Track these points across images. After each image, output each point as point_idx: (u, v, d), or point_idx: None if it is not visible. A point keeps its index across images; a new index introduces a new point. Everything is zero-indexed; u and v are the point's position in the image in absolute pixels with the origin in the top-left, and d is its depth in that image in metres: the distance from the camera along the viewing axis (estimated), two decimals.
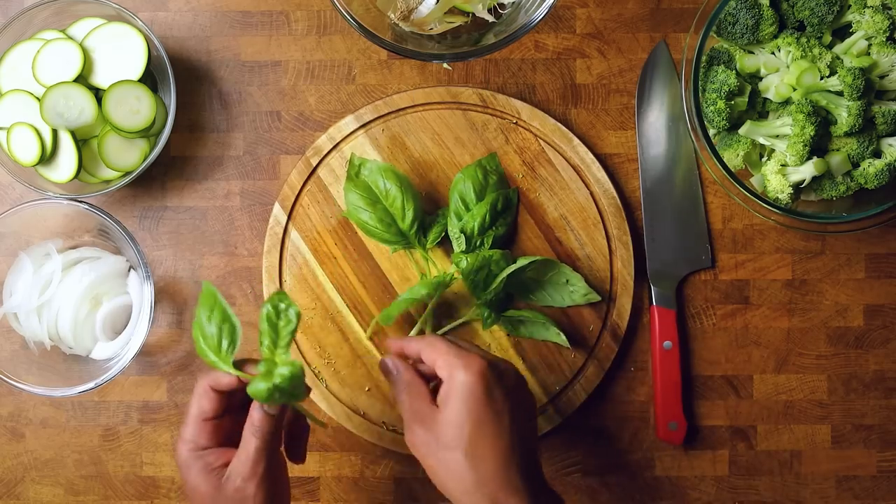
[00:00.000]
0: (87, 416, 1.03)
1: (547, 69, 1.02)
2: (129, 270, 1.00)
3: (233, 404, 0.86)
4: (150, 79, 0.99)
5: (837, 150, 0.95)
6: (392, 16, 0.96)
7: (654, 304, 1.01)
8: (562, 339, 0.98)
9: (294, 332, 0.81)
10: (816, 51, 0.94)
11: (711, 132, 0.97)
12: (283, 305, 0.82)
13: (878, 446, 1.02)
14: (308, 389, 0.82)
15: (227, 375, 0.83)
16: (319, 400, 1.00)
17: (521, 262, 0.95)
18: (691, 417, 1.02)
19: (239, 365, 0.83)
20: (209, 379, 0.84)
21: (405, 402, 0.84)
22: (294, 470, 1.00)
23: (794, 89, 0.94)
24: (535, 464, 0.84)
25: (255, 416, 0.82)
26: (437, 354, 0.83)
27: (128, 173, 0.97)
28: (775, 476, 1.02)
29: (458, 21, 0.96)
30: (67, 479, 1.03)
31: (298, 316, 0.82)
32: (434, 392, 0.84)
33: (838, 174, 0.96)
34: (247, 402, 0.84)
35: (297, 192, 1.01)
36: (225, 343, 0.83)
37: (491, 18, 0.96)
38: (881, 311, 1.02)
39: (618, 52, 1.02)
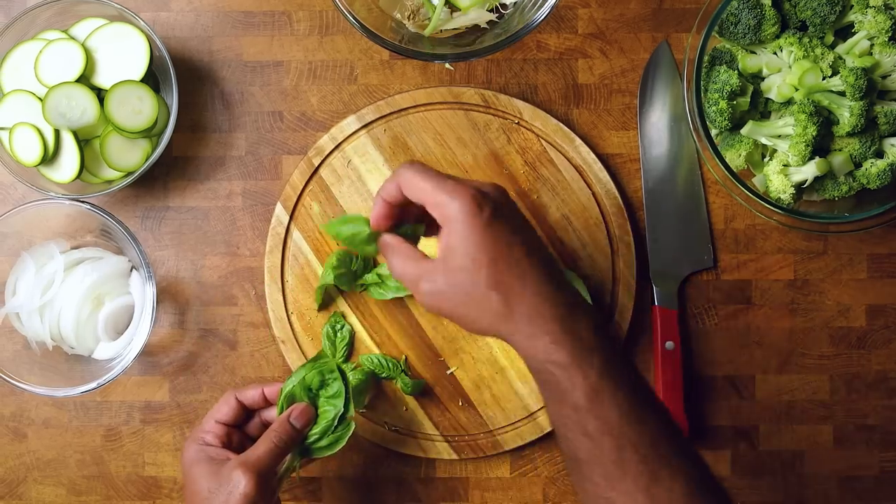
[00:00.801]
0: (90, 417, 1.03)
1: (549, 69, 1.02)
2: (131, 270, 1.00)
3: (248, 423, 0.92)
4: (153, 79, 0.99)
5: (840, 151, 0.95)
6: (398, 15, 0.96)
7: (656, 304, 1.01)
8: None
9: (348, 345, 1.00)
10: (819, 51, 0.94)
11: (713, 132, 0.97)
12: (339, 325, 1.00)
13: (881, 446, 1.02)
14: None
15: (251, 388, 0.91)
16: None
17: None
18: (693, 418, 1.02)
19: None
20: (236, 390, 0.92)
21: (400, 268, 0.80)
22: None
23: (797, 89, 0.94)
24: (554, 264, 0.79)
25: (280, 422, 0.88)
26: (421, 194, 0.77)
27: (130, 173, 0.97)
28: (777, 476, 1.02)
29: (470, 23, 0.96)
30: (69, 480, 1.03)
31: (352, 334, 1.00)
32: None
33: (840, 174, 0.96)
34: (263, 427, 0.92)
35: (299, 193, 1.01)
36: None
37: (493, 17, 0.96)
38: (883, 311, 1.02)
39: (620, 53, 1.02)
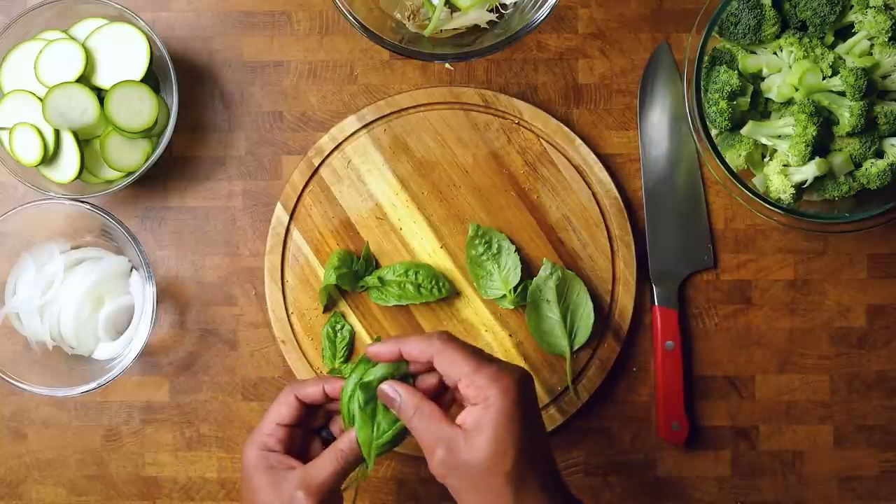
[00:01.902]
0: (90, 417, 1.03)
1: (549, 69, 1.02)
2: (131, 271, 1.00)
3: (310, 422, 0.88)
4: (153, 79, 0.99)
5: (840, 151, 0.95)
6: (398, 15, 0.96)
7: (656, 304, 1.01)
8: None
9: (348, 346, 0.99)
10: (819, 51, 0.94)
11: (713, 132, 0.97)
12: (339, 325, 0.99)
13: (881, 446, 1.02)
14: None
15: (311, 385, 0.85)
16: None
17: None
18: (693, 418, 1.02)
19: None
20: (295, 387, 0.86)
21: (419, 428, 0.78)
22: None
23: (797, 89, 0.94)
24: (554, 463, 0.81)
25: (348, 441, 0.82)
26: (458, 372, 0.77)
27: (130, 173, 0.97)
28: (777, 476, 1.02)
29: (470, 23, 0.96)
30: (70, 480, 1.03)
31: (352, 334, 0.99)
32: (442, 399, 0.82)
33: (840, 174, 0.96)
34: (325, 426, 0.88)
35: (299, 193, 1.01)
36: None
37: (493, 18, 0.96)
38: (883, 311, 1.02)
39: (620, 53, 1.02)
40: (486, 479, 0.75)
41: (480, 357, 0.79)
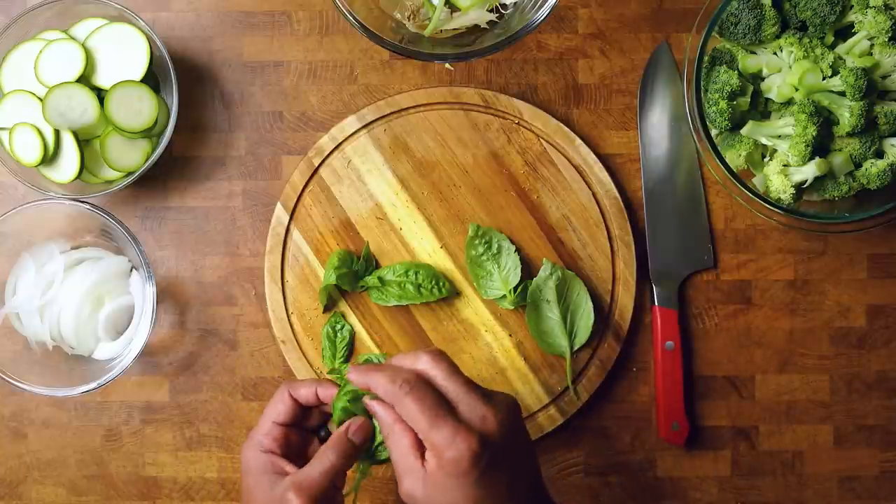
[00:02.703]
0: (90, 417, 1.03)
1: (549, 69, 1.02)
2: (131, 271, 1.00)
3: (307, 421, 0.87)
4: (153, 79, 0.99)
5: (840, 151, 0.95)
6: (398, 15, 0.96)
7: (656, 304, 1.01)
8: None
9: (348, 345, 1.00)
10: (819, 51, 0.94)
11: (713, 132, 0.97)
12: (339, 325, 1.00)
13: (881, 446, 1.02)
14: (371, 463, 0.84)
15: (306, 386, 0.84)
16: None
17: None
18: (693, 418, 1.02)
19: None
20: (291, 385, 0.85)
21: (391, 451, 0.79)
22: None
23: (797, 89, 0.94)
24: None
25: (338, 440, 0.81)
26: (415, 425, 0.76)
27: (130, 173, 0.97)
28: (777, 476, 1.02)
29: (470, 23, 0.96)
30: (70, 480, 1.03)
31: (352, 334, 1.00)
32: None
33: (840, 174, 0.96)
34: (323, 426, 0.87)
35: (299, 193, 1.01)
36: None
37: (493, 18, 0.96)
38: (883, 311, 1.02)
39: (620, 53, 1.02)
40: None
41: (438, 412, 0.76)
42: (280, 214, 1.01)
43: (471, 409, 0.76)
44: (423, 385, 0.77)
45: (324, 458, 0.81)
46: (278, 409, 0.85)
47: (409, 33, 0.96)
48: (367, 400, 0.81)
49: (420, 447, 0.77)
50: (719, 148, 0.95)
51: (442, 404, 0.76)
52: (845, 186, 0.95)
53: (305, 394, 0.85)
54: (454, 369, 0.79)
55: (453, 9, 0.96)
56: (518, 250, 0.99)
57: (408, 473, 0.77)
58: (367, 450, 0.83)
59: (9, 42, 0.96)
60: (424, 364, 0.79)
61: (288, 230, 1.01)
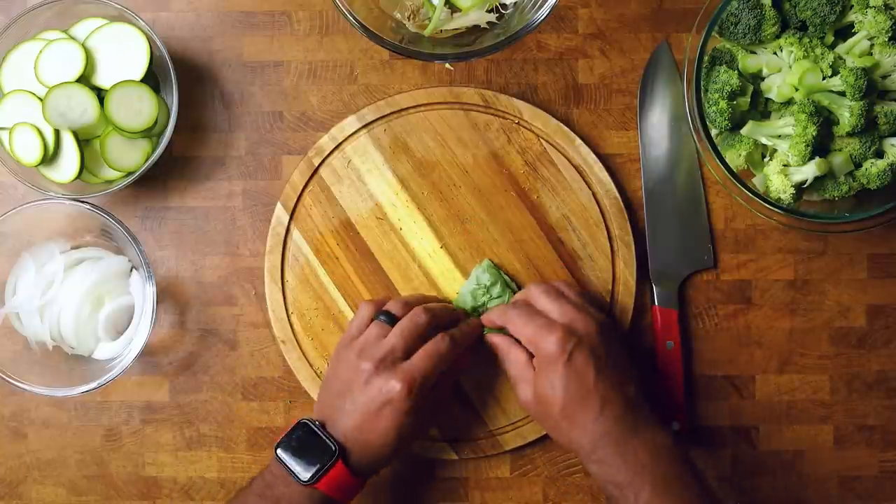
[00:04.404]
0: (90, 417, 1.03)
1: (549, 69, 1.02)
2: (131, 271, 1.00)
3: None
4: (153, 79, 0.99)
5: (840, 151, 0.95)
6: (398, 15, 0.96)
7: (656, 304, 1.01)
8: None
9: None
10: (819, 51, 0.94)
11: (713, 132, 0.97)
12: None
13: (881, 446, 1.02)
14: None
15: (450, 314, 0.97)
16: None
17: None
18: (693, 418, 1.02)
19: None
20: (377, 301, 0.97)
21: (507, 369, 0.95)
22: None
23: (797, 89, 0.94)
24: (631, 404, 0.90)
25: (456, 329, 0.94)
26: (519, 332, 0.92)
27: (130, 173, 0.97)
28: (777, 476, 1.02)
29: (470, 23, 0.96)
30: (69, 480, 1.03)
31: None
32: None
33: (840, 174, 0.96)
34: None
35: (299, 193, 1.01)
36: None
37: (493, 18, 0.96)
38: (883, 311, 1.02)
39: (620, 53, 1.02)
40: (547, 413, 0.91)
41: (535, 317, 0.92)
42: (280, 214, 1.01)
43: (561, 314, 0.92)
44: (525, 303, 0.95)
45: (435, 343, 0.91)
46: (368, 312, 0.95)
47: (409, 33, 0.96)
48: (487, 335, 0.96)
49: (530, 362, 0.92)
50: (719, 148, 0.95)
51: (539, 313, 0.93)
52: (845, 186, 0.95)
53: (441, 313, 0.95)
54: (549, 289, 0.94)
55: (453, 9, 0.96)
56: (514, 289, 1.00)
57: (522, 382, 0.92)
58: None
59: (9, 42, 0.96)
60: (529, 291, 0.95)
61: (288, 230, 1.01)
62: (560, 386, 0.89)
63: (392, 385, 0.88)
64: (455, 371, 0.96)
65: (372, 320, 0.94)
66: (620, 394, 0.89)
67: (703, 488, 0.88)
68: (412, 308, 0.94)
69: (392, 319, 0.94)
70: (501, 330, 0.96)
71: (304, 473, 0.87)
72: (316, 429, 0.89)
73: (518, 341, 0.94)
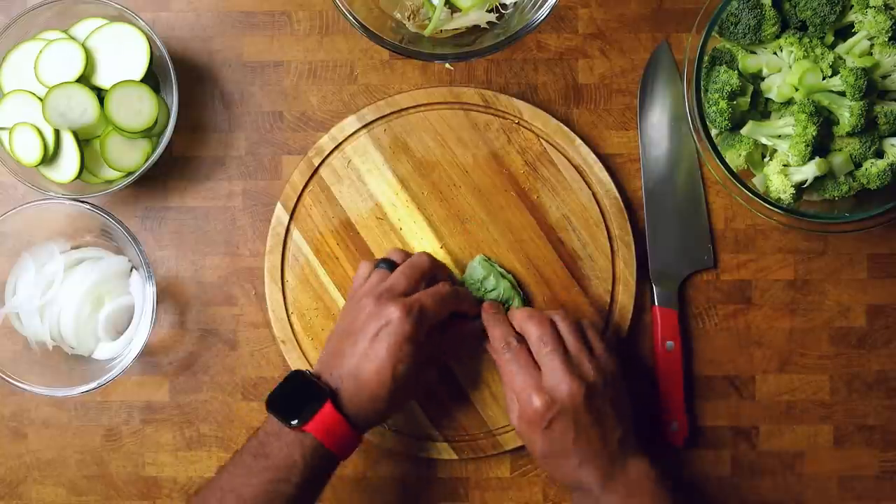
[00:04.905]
0: (90, 417, 1.03)
1: (549, 69, 1.02)
2: (131, 271, 1.00)
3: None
4: (153, 79, 0.99)
5: (840, 151, 0.95)
6: (398, 15, 0.96)
7: (656, 304, 1.01)
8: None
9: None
10: (819, 51, 0.94)
11: (713, 132, 0.97)
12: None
13: (881, 446, 1.02)
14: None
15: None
16: None
17: None
18: (693, 418, 1.02)
19: None
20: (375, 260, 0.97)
21: (502, 378, 0.94)
22: None
23: (797, 89, 0.94)
24: (615, 448, 0.90)
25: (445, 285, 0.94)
26: (507, 378, 0.93)
27: (130, 173, 0.97)
28: (777, 476, 1.02)
29: (470, 23, 0.96)
30: (70, 480, 1.03)
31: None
32: None
33: (840, 174, 0.96)
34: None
35: (299, 193, 1.01)
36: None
37: (493, 18, 0.96)
38: (883, 311, 1.02)
39: (620, 53, 1.02)
40: (527, 444, 0.93)
41: (524, 373, 0.91)
42: (280, 214, 1.01)
43: (552, 372, 0.90)
44: (521, 349, 0.93)
45: (438, 287, 0.92)
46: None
47: (409, 33, 0.96)
48: (487, 346, 0.96)
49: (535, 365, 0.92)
50: (719, 148, 0.95)
51: (532, 365, 0.91)
52: (845, 186, 0.95)
53: (443, 267, 0.98)
54: (563, 327, 0.93)
55: (453, 9, 0.96)
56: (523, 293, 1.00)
57: (511, 404, 0.92)
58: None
59: (9, 42, 0.96)
60: (541, 320, 0.93)
61: (288, 230, 1.01)
62: (539, 444, 0.90)
63: (389, 309, 0.88)
64: (456, 342, 0.96)
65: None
66: (601, 446, 0.90)
67: None
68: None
69: (392, 266, 0.94)
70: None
71: (293, 418, 0.86)
72: (308, 375, 0.88)
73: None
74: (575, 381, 0.89)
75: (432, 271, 0.95)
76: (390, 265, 0.95)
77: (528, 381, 0.90)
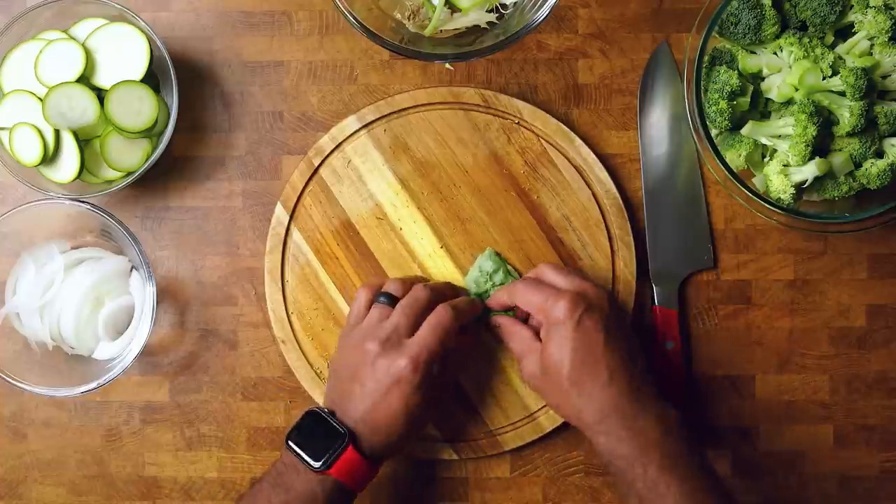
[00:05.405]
0: (90, 417, 1.03)
1: (549, 69, 1.02)
2: (131, 271, 1.00)
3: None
4: (153, 79, 0.99)
5: (840, 151, 0.95)
6: (398, 16, 0.96)
7: (657, 304, 1.01)
8: None
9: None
10: (819, 51, 0.94)
11: (713, 132, 0.97)
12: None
13: (881, 446, 1.02)
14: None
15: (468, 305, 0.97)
16: (319, 397, 1.00)
17: None
18: (693, 418, 1.02)
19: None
20: (372, 285, 0.97)
21: (512, 346, 0.95)
22: None
23: (797, 89, 0.94)
24: (639, 378, 0.89)
25: (457, 301, 0.94)
26: (526, 303, 0.92)
27: (130, 173, 0.97)
28: (777, 476, 1.02)
29: (470, 23, 0.96)
30: (70, 480, 1.03)
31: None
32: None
33: (840, 174, 0.96)
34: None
35: (299, 193, 1.01)
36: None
37: (493, 18, 0.96)
38: (883, 311, 1.02)
39: (620, 53, 1.02)
40: (555, 384, 0.90)
41: (544, 287, 0.92)
42: (280, 214, 1.01)
43: (569, 282, 0.92)
44: (532, 278, 0.95)
45: (438, 315, 0.91)
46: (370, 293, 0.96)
47: (409, 33, 0.96)
48: (493, 316, 0.97)
49: (536, 338, 0.92)
50: (719, 148, 0.95)
51: (548, 285, 0.93)
52: (845, 186, 0.95)
53: (441, 289, 0.97)
54: (558, 267, 0.94)
55: (453, 9, 0.96)
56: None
57: (528, 355, 0.92)
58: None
59: (9, 42, 0.96)
60: (538, 269, 0.96)
61: (288, 230, 1.01)
62: (569, 349, 0.88)
63: (398, 363, 0.88)
64: (463, 352, 0.96)
65: (371, 304, 0.94)
66: (629, 365, 0.89)
67: (707, 469, 0.88)
68: (410, 287, 0.94)
69: (392, 300, 0.94)
70: (507, 314, 0.97)
71: (316, 460, 0.87)
72: (325, 416, 0.89)
73: (524, 321, 0.95)
74: (598, 287, 0.91)
75: (431, 300, 0.93)
76: (390, 299, 0.94)
77: (550, 291, 0.91)
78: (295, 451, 0.88)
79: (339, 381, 0.92)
